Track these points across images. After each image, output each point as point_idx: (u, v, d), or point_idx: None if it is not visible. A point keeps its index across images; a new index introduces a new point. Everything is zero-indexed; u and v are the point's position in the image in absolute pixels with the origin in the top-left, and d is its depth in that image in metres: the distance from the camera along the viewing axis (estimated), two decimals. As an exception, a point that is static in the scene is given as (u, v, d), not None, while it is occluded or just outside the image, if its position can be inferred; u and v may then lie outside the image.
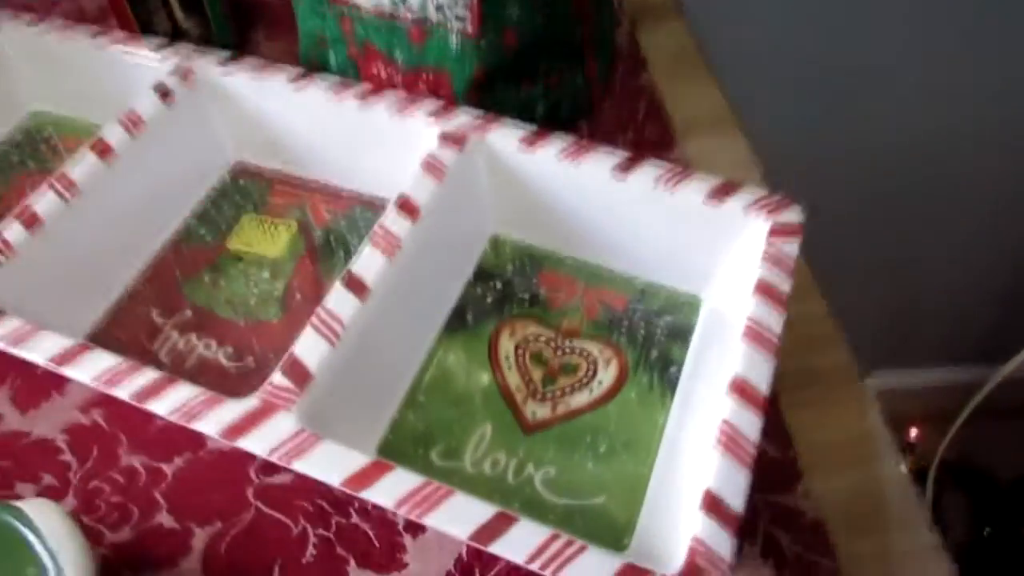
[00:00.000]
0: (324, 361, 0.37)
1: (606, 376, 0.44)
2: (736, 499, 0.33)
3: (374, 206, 0.52)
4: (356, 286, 0.39)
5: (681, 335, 0.46)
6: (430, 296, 0.45)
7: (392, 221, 0.42)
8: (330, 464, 0.34)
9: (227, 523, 0.40)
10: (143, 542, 0.39)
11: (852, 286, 0.96)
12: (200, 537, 0.39)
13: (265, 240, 0.50)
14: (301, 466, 0.34)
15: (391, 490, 0.33)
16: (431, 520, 0.32)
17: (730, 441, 0.35)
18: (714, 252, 0.45)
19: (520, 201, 0.48)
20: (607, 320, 0.46)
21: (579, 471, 0.40)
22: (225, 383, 0.44)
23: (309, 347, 0.37)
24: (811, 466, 0.42)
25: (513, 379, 0.44)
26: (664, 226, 0.46)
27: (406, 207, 0.42)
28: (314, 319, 0.38)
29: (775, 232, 0.42)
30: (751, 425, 0.35)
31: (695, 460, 0.38)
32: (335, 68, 0.54)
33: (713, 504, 0.33)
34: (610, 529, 0.39)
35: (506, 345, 0.45)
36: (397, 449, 0.41)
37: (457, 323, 0.46)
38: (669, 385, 0.44)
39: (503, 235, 0.50)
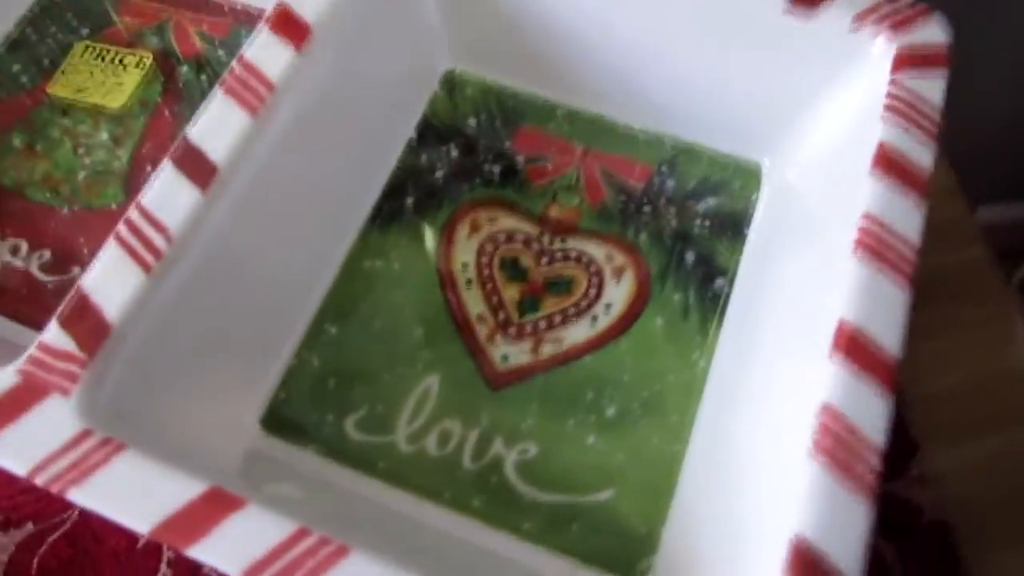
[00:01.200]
0: (135, 302, 0.21)
1: (617, 295, 0.29)
2: (848, 553, 0.19)
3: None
4: (195, 167, 0.23)
5: (732, 226, 0.30)
6: (341, 172, 0.29)
7: (261, 50, 0.25)
8: (131, 496, 0.19)
9: None
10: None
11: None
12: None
13: (105, 82, 0.33)
14: (81, 498, 0.19)
15: (238, 547, 0.18)
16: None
17: (836, 442, 0.20)
18: (793, 95, 0.29)
19: (489, 20, 0.31)
20: (619, 205, 0.30)
21: (574, 449, 0.26)
22: (36, 308, 0.29)
23: (108, 279, 0.22)
24: (932, 432, 0.27)
25: (474, 302, 0.28)
26: (712, 52, 0.29)
27: (286, 26, 0.25)
28: (121, 228, 0.22)
29: (903, 61, 0.25)
30: (871, 408, 0.20)
31: (763, 439, 0.23)
32: None
33: (807, 562, 0.19)
34: (621, 545, 0.25)
35: (464, 247, 0.29)
36: (290, 419, 0.26)
37: (389, 212, 0.30)
38: (713, 307, 0.28)
39: (462, 71, 0.33)
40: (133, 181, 0.31)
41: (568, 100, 0.32)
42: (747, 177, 0.31)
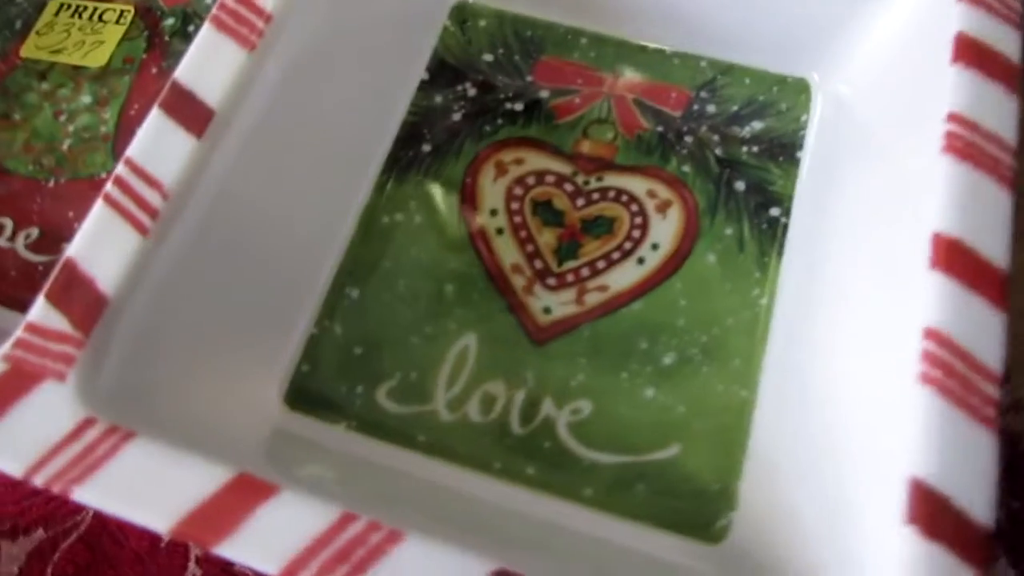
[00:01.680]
0: (132, 269, 0.19)
1: (663, 233, 0.26)
2: (976, 494, 0.16)
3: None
4: (188, 112, 0.20)
5: (784, 150, 0.27)
6: (349, 118, 0.26)
7: (252, -22, 0.22)
8: (146, 491, 0.17)
9: None
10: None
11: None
12: None
13: (84, 41, 0.30)
14: (88, 497, 0.17)
15: (273, 541, 0.16)
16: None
17: (947, 371, 0.17)
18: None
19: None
20: (657, 135, 0.27)
21: (632, 404, 0.24)
22: (27, 291, 0.26)
23: (100, 245, 0.19)
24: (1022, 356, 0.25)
25: (507, 251, 0.26)
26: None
27: (278, -51, 0.22)
28: (110, 187, 0.19)
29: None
30: (984, 329, 0.18)
31: (851, 376, 0.21)
32: None
33: (930, 507, 0.16)
34: (693, 504, 0.22)
35: (490, 192, 0.27)
36: (316, 392, 0.24)
37: (406, 160, 0.27)
38: (771, 239, 0.26)
39: (474, 1, 0.30)
40: (122, 146, 0.28)
41: (592, 24, 0.29)
42: (796, 95, 0.28)
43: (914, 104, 0.22)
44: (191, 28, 0.30)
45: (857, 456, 0.19)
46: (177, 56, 0.29)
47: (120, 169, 0.19)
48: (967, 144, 0.19)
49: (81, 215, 0.27)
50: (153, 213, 0.19)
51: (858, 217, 0.23)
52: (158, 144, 0.20)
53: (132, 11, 0.30)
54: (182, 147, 0.20)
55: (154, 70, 0.29)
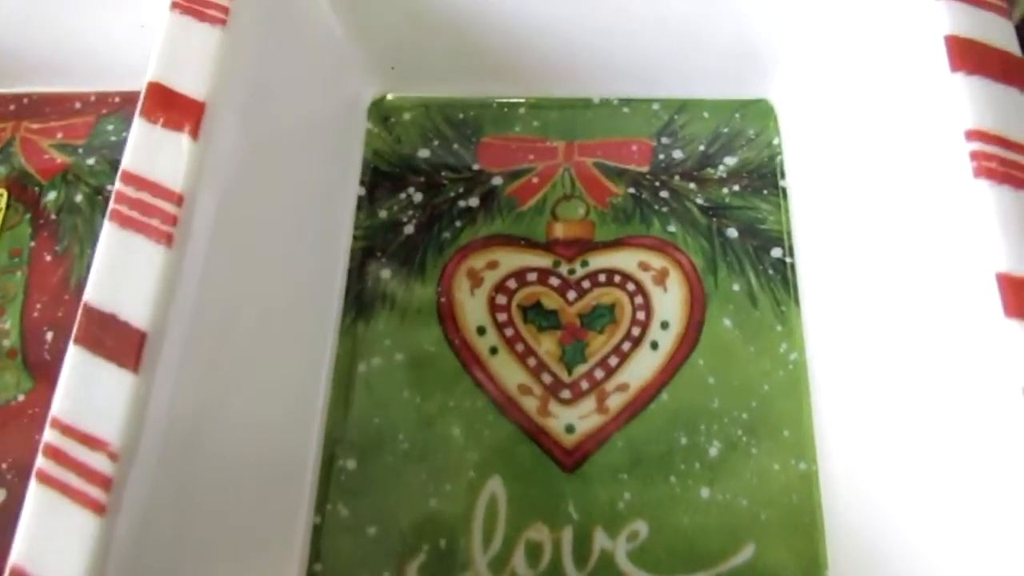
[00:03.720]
0: (94, 558, 0.15)
1: (669, 307, 0.23)
2: None
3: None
4: (114, 342, 0.16)
5: (764, 181, 0.25)
6: (292, 264, 0.23)
7: (145, 153, 0.18)
8: None
9: None
10: None
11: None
12: None
13: (-43, 239, 0.26)
14: None
15: None
16: None
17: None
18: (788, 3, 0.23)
19: (403, 24, 0.25)
20: (630, 197, 0.25)
21: (690, 510, 0.21)
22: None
23: (46, 543, 0.15)
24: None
25: (508, 372, 0.23)
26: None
27: (168, 110, 0.19)
28: (42, 461, 0.16)
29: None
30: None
31: (930, 425, 0.19)
32: None
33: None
34: (790, 612, 0.20)
35: (471, 307, 0.23)
36: (340, 595, 0.21)
37: (367, 293, 0.24)
38: (782, 284, 0.23)
39: (394, 94, 0.27)
40: (33, 356, 0.24)
41: (525, 90, 0.26)
42: (761, 119, 0.26)
43: (907, 115, 0.20)
44: (78, 197, 0.26)
45: (961, 512, 0.16)
46: (71, 232, 0.26)
47: (50, 436, 0.16)
48: (1001, 163, 0.17)
49: (4, 451, 0.23)
50: (105, 483, 0.15)
51: (879, 247, 0.21)
52: (88, 391, 0.16)
53: (4, 193, 0.26)
54: (117, 388, 0.16)
55: (48, 257, 0.25)
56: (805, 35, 0.24)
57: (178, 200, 0.18)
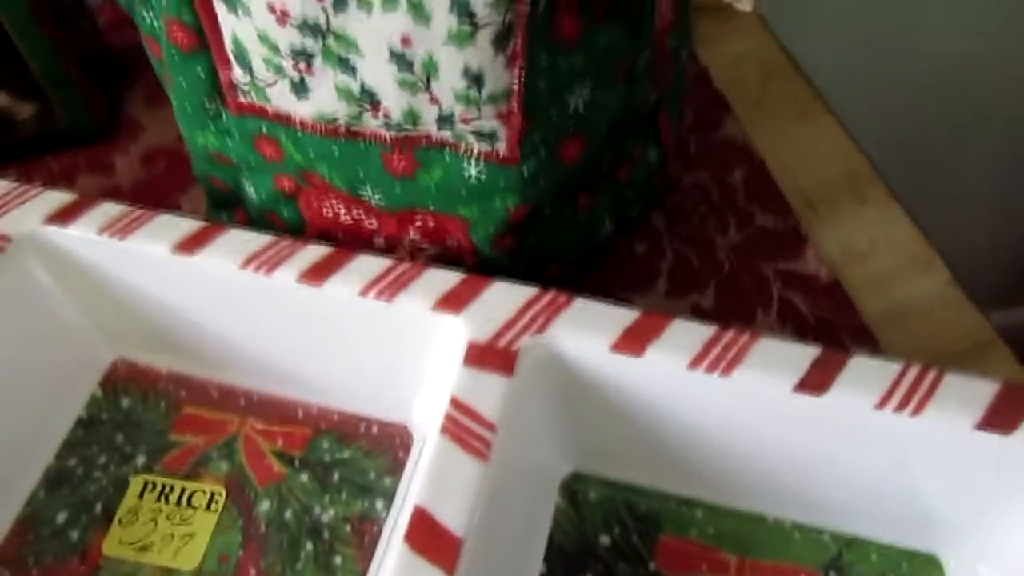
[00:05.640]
0: None
1: None
2: None
3: (350, 432, 0.30)
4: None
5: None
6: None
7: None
8: None
9: None
10: None
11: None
12: None
13: (173, 533, 0.29)
14: None
15: None
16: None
17: None
18: (980, 490, 0.25)
19: (610, 429, 0.27)
20: (797, 632, 0.26)
21: None
22: None
23: None
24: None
25: None
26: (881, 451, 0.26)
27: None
28: None
29: None
30: None
31: None
32: (256, 202, 0.31)
33: None
34: None
35: None
36: None
37: None
38: None
39: (587, 472, 0.29)
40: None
41: (706, 495, 0.29)
42: (927, 573, 0.27)
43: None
44: (287, 514, 0.29)
45: None
46: (277, 553, 0.28)
47: None
48: None
49: None
50: None
51: None
52: None
53: (224, 493, 0.29)
54: None
55: (252, 571, 0.28)
56: (982, 504, 0.26)
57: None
